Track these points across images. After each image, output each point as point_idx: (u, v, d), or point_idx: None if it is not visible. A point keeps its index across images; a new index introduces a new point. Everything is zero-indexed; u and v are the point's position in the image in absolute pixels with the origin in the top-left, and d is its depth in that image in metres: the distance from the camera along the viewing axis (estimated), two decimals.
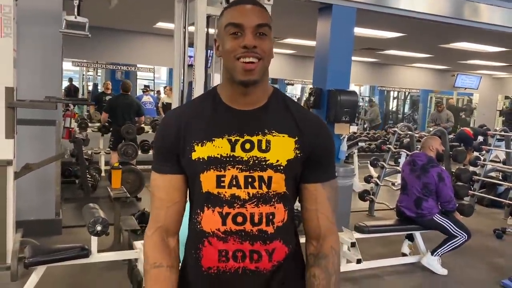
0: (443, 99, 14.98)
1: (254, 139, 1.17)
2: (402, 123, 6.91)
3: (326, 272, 1.21)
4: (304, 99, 14.84)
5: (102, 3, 5.45)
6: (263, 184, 1.16)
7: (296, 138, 1.19)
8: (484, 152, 6.92)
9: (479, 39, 7.71)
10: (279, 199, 1.18)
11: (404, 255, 4.39)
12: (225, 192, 1.16)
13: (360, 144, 7.93)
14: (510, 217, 5.77)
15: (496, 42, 7.87)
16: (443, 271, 4.06)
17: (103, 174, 6.90)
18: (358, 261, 3.77)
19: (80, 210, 5.18)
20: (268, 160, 1.16)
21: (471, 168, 6.86)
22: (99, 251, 3.13)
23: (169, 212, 1.22)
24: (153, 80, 14.46)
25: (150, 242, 1.22)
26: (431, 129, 7.19)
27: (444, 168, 4.24)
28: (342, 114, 4.96)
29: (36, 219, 4.33)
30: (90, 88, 13.95)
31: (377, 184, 6.07)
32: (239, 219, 1.15)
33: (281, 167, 1.16)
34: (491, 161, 6.84)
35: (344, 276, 3.82)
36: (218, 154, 1.16)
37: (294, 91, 17.53)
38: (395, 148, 6.21)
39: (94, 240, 3.01)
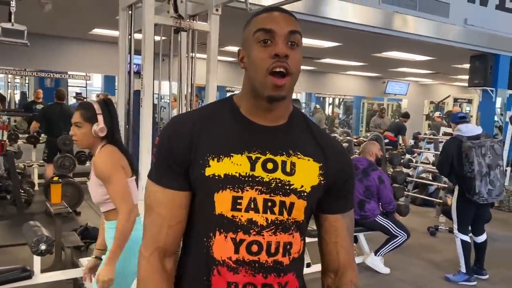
0: (374, 105, 15.75)
1: (278, 159, 1.06)
2: (341, 129, 7.18)
3: None
4: None
5: (34, 8, 5.19)
6: (284, 210, 1.05)
7: (321, 164, 1.10)
8: (415, 154, 7.35)
9: (408, 49, 8.21)
10: (297, 227, 1.08)
11: None
12: (241, 216, 1.03)
13: None
14: (441, 215, 6.16)
15: (423, 51, 8.43)
16: (386, 270, 4.26)
17: (36, 188, 6.52)
18: (308, 265, 3.85)
19: (14, 227, 4.88)
20: (293, 184, 1.05)
21: (404, 170, 7.25)
22: (41, 271, 2.95)
23: (171, 232, 1.09)
24: (85, 87, 13.92)
25: (148, 265, 1.09)
26: (368, 134, 7.51)
27: (383, 171, 4.45)
28: None
29: None
30: (18, 96, 13.15)
31: None
32: (254, 248, 1.03)
33: (305, 194, 1.06)
34: (422, 163, 7.28)
35: None
36: (236, 172, 1.03)
37: None
38: None
39: (37, 260, 2.84)
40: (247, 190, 1.04)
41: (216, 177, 1.04)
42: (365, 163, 4.29)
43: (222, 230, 1.04)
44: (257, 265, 1.04)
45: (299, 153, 1.08)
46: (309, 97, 17.60)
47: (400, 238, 4.22)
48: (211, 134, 1.07)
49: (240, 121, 1.09)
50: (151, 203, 1.11)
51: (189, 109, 3.36)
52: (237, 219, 1.04)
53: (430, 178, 7.34)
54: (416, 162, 7.13)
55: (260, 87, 1.04)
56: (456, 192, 4.21)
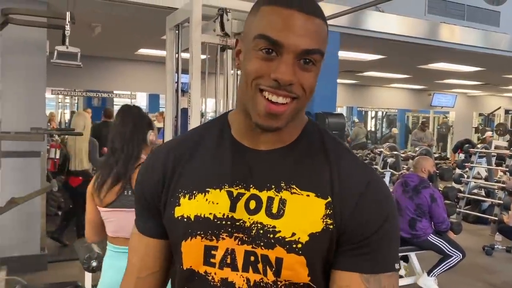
0: (420, 118, 15.32)
1: (263, 195, 0.78)
2: (387, 143, 6.99)
3: None
4: None
5: (84, 31, 5.40)
6: (268, 268, 0.76)
7: (329, 199, 0.77)
8: (467, 169, 7.04)
9: (455, 60, 7.94)
10: None
11: (399, 276, 4.36)
12: (214, 273, 0.78)
13: None
14: (497, 233, 5.83)
15: (471, 62, 8.12)
16: None
17: None
18: None
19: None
20: (279, 231, 0.75)
21: (455, 185, 6.96)
22: (92, 287, 2.99)
23: (139, 285, 0.88)
24: None
25: None
26: (417, 148, 7.28)
27: (435, 189, 4.27)
28: None
29: (20, 255, 4.15)
30: (67, 116, 13.73)
31: None
32: None
33: (299, 245, 0.75)
34: (474, 178, 6.96)
35: None
36: (210, 214, 0.78)
37: None
38: (381, 168, 6.25)
39: (88, 276, 2.88)
40: (223, 239, 0.77)
41: (185, 220, 0.79)
42: (416, 180, 4.12)
43: None
44: None
45: (294, 186, 0.78)
46: (350, 111, 17.38)
47: (454, 258, 4.01)
48: (189, 165, 0.83)
49: (226, 145, 0.83)
50: (129, 247, 0.92)
51: None
52: (210, 277, 0.78)
53: (483, 194, 7.00)
54: (468, 177, 6.81)
55: (249, 106, 0.77)
56: None
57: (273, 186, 0.78)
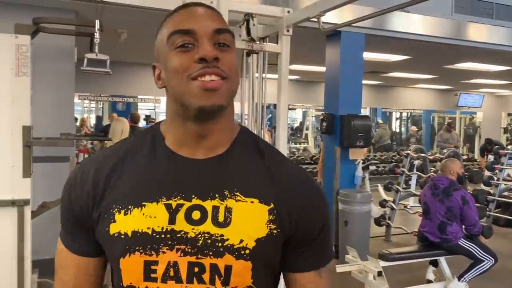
0: (446, 118, 15.03)
1: (208, 204, 0.78)
2: (414, 145, 6.87)
3: None
4: (306, 123, 14.93)
5: (110, 38, 5.49)
6: (216, 277, 0.77)
7: (272, 206, 0.80)
8: (496, 171, 6.87)
9: (482, 59, 7.76)
10: None
11: (429, 281, 4.28)
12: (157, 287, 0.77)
13: (371, 167, 7.87)
14: None
15: (500, 61, 7.93)
16: None
17: None
18: None
19: None
20: (227, 239, 0.77)
21: (485, 188, 6.79)
22: None
23: None
24: (154, 110, 14.58)
25: None
26: (445, 150, 7.14)
27: (466, 191, 4.16)
28: (356, 139, 4.93)
29: (51, 258, 4.21)
30: (93, 120, 14.01)
31: (392, 209, 5.98)
32: None
33: (246, 252, 0.77)
34: (504, 180, 6.78)
35: None
36: (148, 228, 0.77)
37: (294, 115, 17.60)
38: (408, 171, 6.15)
39: None
40: (163, 252, 0.77)
41: (122, 236, 0.78)
42: (446, 182, 4.04)
43: None
44: None
45: (238, 193, 0.79)
46: (374, 112, 17.18)
47: (486, 263, 3.91)
48: (121, 180, 0.81)
49: (161, 156, 0.82)
50: (56, 264, 0.90)
51: (260, 130, 3.36)
52: None
53: None
54: (498, 179, 6.64)
55: (186, 99, 0.77)
56: None
57: (217, 195, 0.79)
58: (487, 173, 7.30)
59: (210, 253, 0.77)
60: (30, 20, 3.30)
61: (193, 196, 0.79)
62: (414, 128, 13.95)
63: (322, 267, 0.87)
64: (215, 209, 0.78)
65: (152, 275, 0.77)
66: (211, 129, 0.81)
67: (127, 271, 0.78)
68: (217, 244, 0.77)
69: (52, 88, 4.28)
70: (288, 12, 2.93)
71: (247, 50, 2.90)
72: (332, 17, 4.41)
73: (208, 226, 0.77)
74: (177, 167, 0.81)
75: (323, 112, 5.53)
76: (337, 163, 5.10)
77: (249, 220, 0.79)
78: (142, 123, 11.28)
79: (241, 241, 0.77)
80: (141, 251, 0.77)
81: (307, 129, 14.61)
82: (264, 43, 3.19)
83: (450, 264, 4.18)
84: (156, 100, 12.46)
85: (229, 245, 0.77)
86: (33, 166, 3.66)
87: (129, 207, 0.79)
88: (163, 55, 0.80)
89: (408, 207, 6.18)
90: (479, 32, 6.28)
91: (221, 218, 0.78)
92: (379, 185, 6.91)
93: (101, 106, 14.06)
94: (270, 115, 10.96)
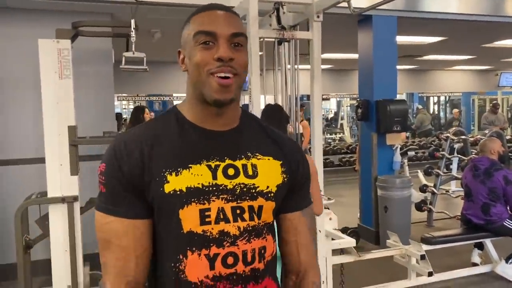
0: (487, 100, 14.50)
1: (238, 163, 1.01)
2: (454, 128, 6.69)
3: None
4: (341, 113, 14.76)
5: (144, 38, 5.64)
6: (254, 214, 1.00)
7: (281, 161, 1.06)
8: None
9: None
10: (268, 230, 1.04)
11: (475, 264, 4.20)
12: (212, 229, 0.96)
13: (410, 153, 7.73)
14: None
15: None
16: None
17: None
18: (430, 274, 3.62)
19: None
20: (258, 187, 1.01)
21: None
22: None
23: (140, 262, 0.98)
24: None
25: None
26: (486, 131, 6.93)
27: (509, 170, 4.05)
28: (393, 124, 4.87)
29: None
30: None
31: (433, 193, 5.87)
32: (230, 260, 0.97)
33: (272, 194, 1.02)
34: None
35: None
36: (198, 184, 0.96)
37: (328, 106, 17.43)
38: (449, 155, 6.01)
39: None
40: (213, 201, 0.97)
41: (178, 192, 0.95)
42: (486, 163, 3.95)
43: (194, 249, 0.96)
44: (234, 277, 0.98)
45: (257, 153, 1.04)
46: (411, 97, 16.78)
47: None
48: (163, 148, 0.98)
49: (190, 129, 1.02)
50: (107, 236, 0.98)
51: (295, 121, 3.39)
52: (208, 233, 0.97)
53: None
54: None
55: (205, 90, 0.97)
56: None
57: (242, 156, 1.02)
58: None
59: (247, 198, 1.00)
60: (69, 25, 3.45)
61: (225, 157, 1.00)
62: (456, 110, 13.51)
63: (305, 208, 1.12)
64: (244, 166, 1.01)
65: (207, 220, 0.97)
66: (225, 110, 1.01)
67: (186, 219, 0.96)
68: (251, 191, 1.00)
69: (93, 89, 4.45)
70: None
71: (278, 39, 2.93)
72: (363, 2, 4.36)
73: (242, 179, 1.00)
74: (206, 137, 1.01)
75: (358, 99, 5.49)
76: (374, 149, 5.05)
77: (269, 172, 1.04)
78: None
79: (267, 187, 1.02)
80: (196, 201, 0.96)
81: (342, 118, 14.44)
82: (295, 31, 3.21)
83: (496, 247, 4.09)
84: None
85: (259, 191, 1.01)
86: (80, 164, 3.84)
87: (178, 169, 0.97)
88: (189, 47, 0.99)
89: (450, 191, 6.05)
90: None
91: (250, 172, 1.01)
92: (418, 171, 6.79)
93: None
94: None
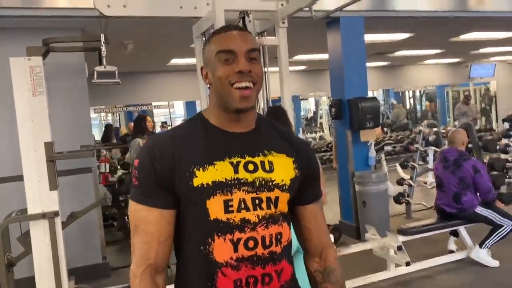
0: (460, 92, 14.84)
1: (256, 160, 1.17)
2: (426, 121, 6.88)
3: (338, 285, 1.27)
4: (320, 112, 14.94)
5: (117, 50, 5.68)
6: (271, 204, 1.16)
7: (294, 158, 1.23)
8: None
9: (489, 27, 7.69)
10: (284, 218, 1.20)
11: (451, 252, 4.35)
12: (234, 217, 1.13)
13: (386, 148, 7.91)
14: None
15: (505, 27, 7.84)
16: (495, 263, 4.01)
17: None
18: (407, 264, 3.75)
19: (123, 251, 5.30)
20: (274, 180, 1.17)
21: (502, 156, 6.77)
22: None
23: (161, 248, 1.14)
24: (169, 115, 14.77)
25: (142, 284, 1.12)
26: (456, 122, 7.13)
27: (476, 159, 4.21)
28: (365, 121, 5.00)
29: (85, 265, 4.44)
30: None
31: (410, 186, 6.04)
32: (251, 243, 1.12)
33: (286, 187, 1.19)
34: None
35: (395, 280, 3.80)
36: (222, 178, 1.13)
37: (307, 106, 17.59)
38: (422, 147, 6.18)
39: None
40: (235, 192, 1.13)
41: (205, 186, 1.12)
42: (455, 153, 4.10)
43: (220, 234, 1.12)
44: (255, 258, 1.13)
45: (273, 151, 1.20)
46: (387, 93, 17.06)
47: (506, 227, 3.97)
48: (191, 148, 1.16)
49: (214, 132, 1.19)
50: (137, 222, 1.15)
51: None
52: (231, 220, 1.13)
53: None
54: None
55: (228, 100, 1.14)
56: None
57: (260, 154, 1.19)
58: (504, 141, 7.27)
59: (265, 189, 1.16)
60: (40, 42, 3.48)
61: (245, 155, 1.17)
62: (427, 103, 13.81)
63: (318, 199, 1.31)
64: (262, 162, 1.18)
65: (230, 209, 1.13)
66: (245, 116, 1.18)
67: (212, 209, 1.12)
68: (268, 183, 1.17)
69: (68, 103, 4.46)
70: (282, 5, 3.04)
71: None
72: (331, 4, 4.48)
73: (260, 173, 1.17)
74: (228, 137, 1.18)
75: (331, 99, 5.61)
76: (349, 146, 5.18)
77: (284, 167, 1.20)
78: (157, 130, 11.46)
79: (282, 180, 1.19)
80: (220, 193, 1.13)
81: (321, 117, 14.62)
82: (263, 37, 3.30)
83: (470, 233, 4.24)
84: (170, 105, 12.66)
85: (276, 183, 1.17)
86: (58, 179, 3.86)
87: (205, 165, 1.13)
88: (211, 64, 1.16)
89: (428, 183, 6.22)
90: (480, 0, 6.24)
91: (267, 167, 1.18)
92: (397, 164, 6.96)
93: (118, 117, 14.31)
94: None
